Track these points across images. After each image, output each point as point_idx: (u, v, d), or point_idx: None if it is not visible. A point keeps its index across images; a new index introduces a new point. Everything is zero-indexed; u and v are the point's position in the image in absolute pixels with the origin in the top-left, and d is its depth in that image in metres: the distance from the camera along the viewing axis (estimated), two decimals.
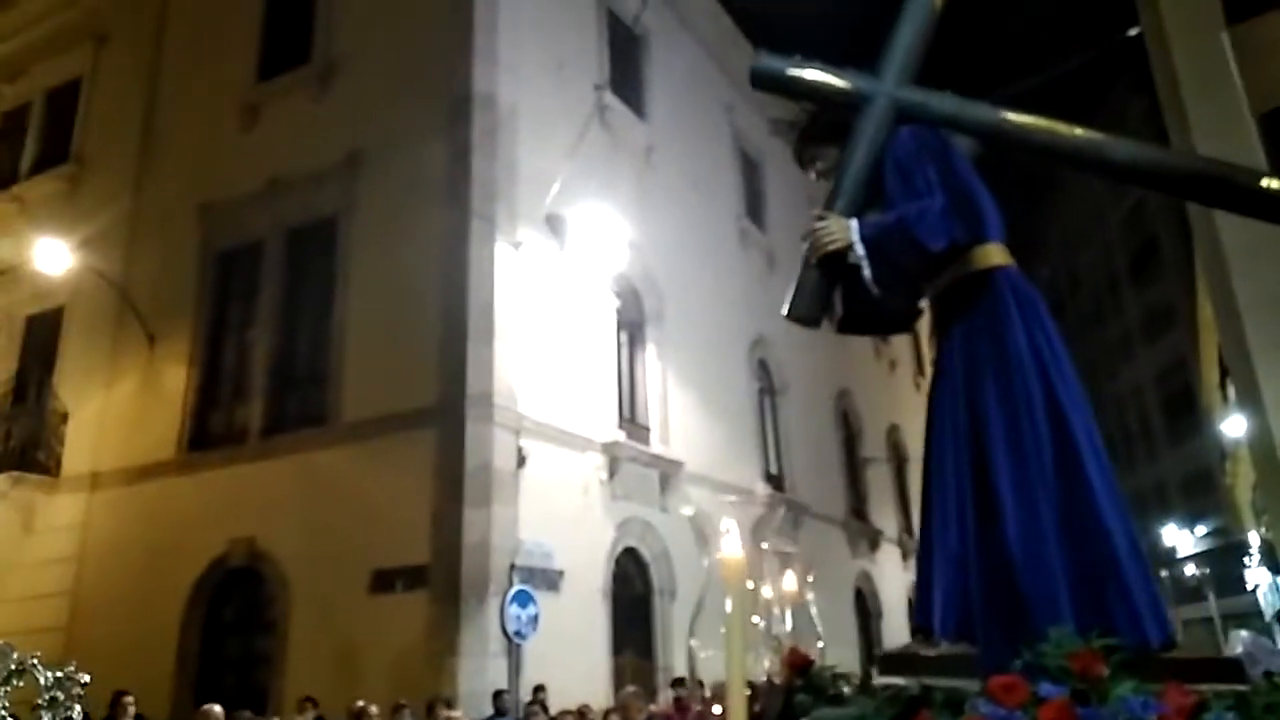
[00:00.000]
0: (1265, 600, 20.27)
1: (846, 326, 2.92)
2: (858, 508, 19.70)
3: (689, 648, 2.06)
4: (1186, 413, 34.35)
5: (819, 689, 2.35)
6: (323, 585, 10.21)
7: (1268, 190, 2.46)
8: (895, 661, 2.51)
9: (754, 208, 17.74)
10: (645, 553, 12.32)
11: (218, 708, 8.29)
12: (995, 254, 2.66)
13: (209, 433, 11.99)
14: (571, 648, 10.41)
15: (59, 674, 2.15)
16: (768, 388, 17.01)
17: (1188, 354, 34.58)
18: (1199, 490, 33.80)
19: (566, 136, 11.74)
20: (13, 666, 2.08)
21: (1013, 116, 2.71)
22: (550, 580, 10.44)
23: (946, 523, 2.53)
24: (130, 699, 9.11)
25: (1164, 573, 37.16)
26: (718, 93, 17.19)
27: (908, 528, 22.19)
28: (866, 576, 19.17)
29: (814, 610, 2.84)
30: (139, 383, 12.51)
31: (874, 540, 19.80)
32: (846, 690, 2.34)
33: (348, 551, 10.11)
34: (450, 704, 8.77)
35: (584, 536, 11.12)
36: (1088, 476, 2.40)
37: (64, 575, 12.11)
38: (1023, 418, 2.44)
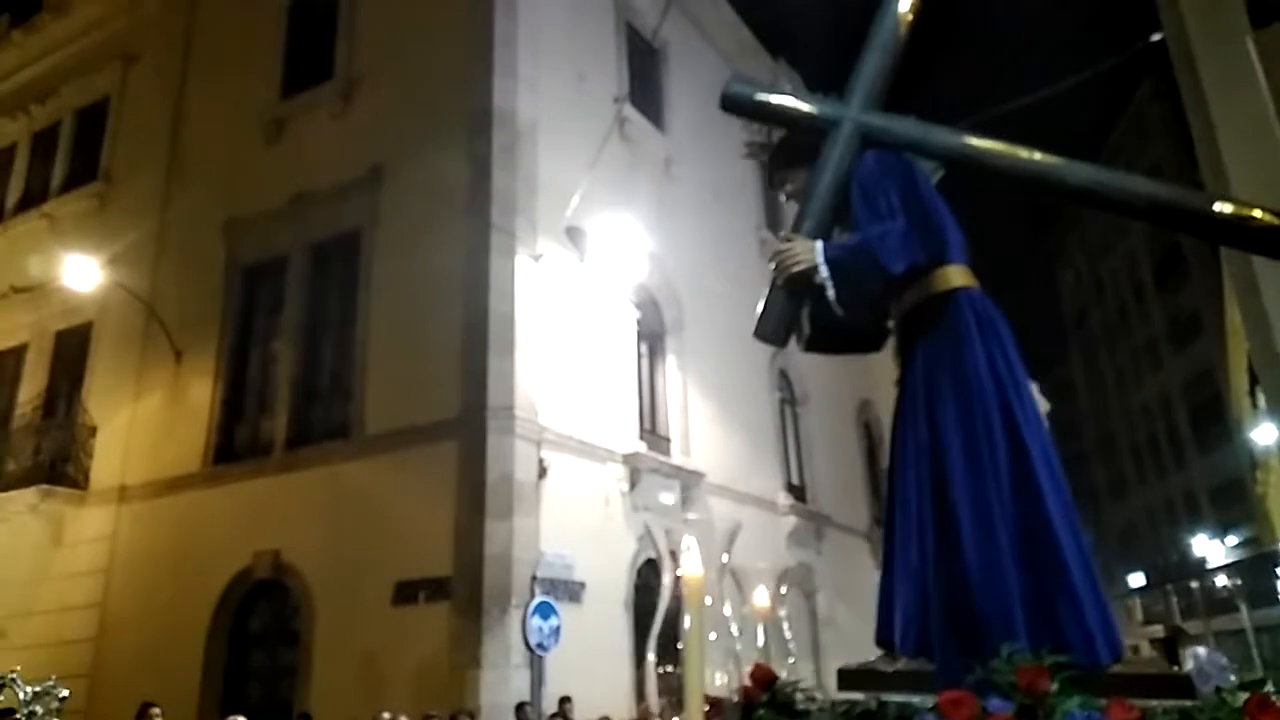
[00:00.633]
0: None
1: (814, 345, 2.98)
2: (881, 518, 19.50)
3: (646, 662, 2.00)
4: (1215, 421, 33.85)
5: (781, 705, 2.37)
6: (346, 597, 10.26)
7: (1219, 215, 2.49)
8: (855, 677, 2.54)
9: (773, 218, 17.71)
10: (667, 565, 12.25)
11: (242, 719, 8.36)
12: (957, 276, 2.71)
13: (234, 446, 12.11)
14: (594, 659, 10.39)
15: (38, 689, 2.20)
16: (789, 398, 16.95)
17: (1216, 361, 34.14)
18: (1229, 500, 33.26)
19: (586, 149, 11.80)
20: None
21: (974, 141, 2.79)
22: (572, 592, 10.43)
23: (908, 540, 2.58)
24: (157, 710, 9.18)
25: (1194, 584, 36.66)
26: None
27: None
28: None
29: (786, 625, 2.88)
30: (166, 397, 12.66)
31: None
32: (812, 707, 2.36)
33: (371, 563, 10.15)
34: (474, 715, 8.79)
35: (605, 548, 11.10)
36: (1043, 497, 2.44)
37: (93, 587, 12.25)
38: (980, 438, 2.49)
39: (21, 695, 2.11)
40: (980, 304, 2.70)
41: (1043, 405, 39.82)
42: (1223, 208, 2.49)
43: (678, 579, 2.00)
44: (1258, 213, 2.45)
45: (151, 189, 14.02)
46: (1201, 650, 2.25)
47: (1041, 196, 2.85)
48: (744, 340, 3.17)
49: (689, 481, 12.84)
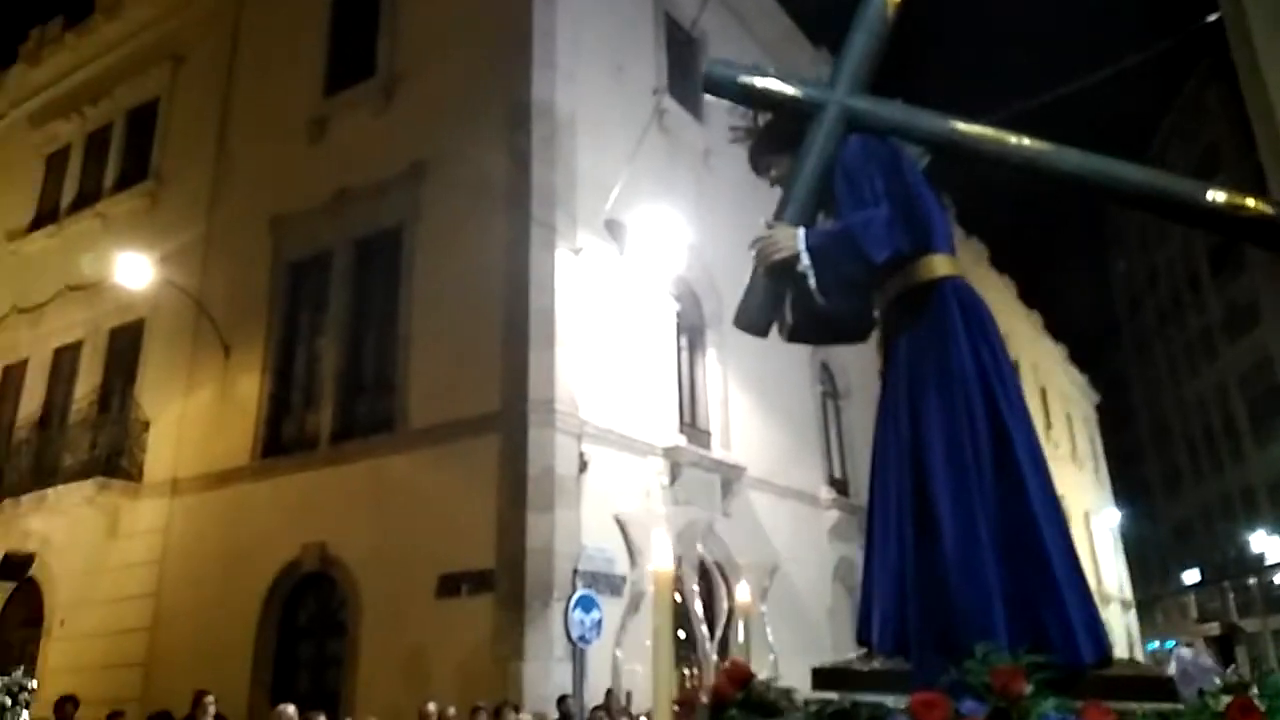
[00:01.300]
0: None
1: (798, 335, 2.92)
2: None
3: (613, 658, 1.95)
4: (1274, 412, 32.86)
5: (755, 703, 2.32)
6: (391, 589, 10.36)
7: (1211, 204, 2.44)
8: (830, 676, 2.49)
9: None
10: (708, 558, 12.25)
11: (291, 708, 8.47)
12: (942, 265, 2.65)
13: (282, 439, 12.28)
14: (636, 652, 10.39)
15: (6, 679, 2.25)
16: (831, 391, 16.78)
17: (1275, 351, 33.12)
18: None
19: (625, 141, 11.76)
20: None
21: (962, 126, 2.73)
22: (614, 585, 10.42)
23: (887, 536, 2.53)
24: (211, 698, 9.39)
25: (1252, 580, 35.68)
26: None
27: None
28: None
29: (766, 622, 2.81)
30: (215, 391, 12.90)
31: None
32: (786, 705, 2.31)
33: (415, 556, 10.24)
34: (517, 708, 8.83)
35: (646, 541, 11.08)
36: (1027, 492, 2.38)
37: (148, 578, 12.53)
38: (963, 432, 2.43)
39: None
40: (965, 294, 2.64)
41: (1094, 397, 39.10)
42: (1215, 196, 2.43)
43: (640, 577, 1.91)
44: (1250, 202, 2.40)
45: (200, 187, 14.28)
46: (1186, 652, 2.22)
47: (1032, 182, 2.82)
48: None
49: (729, 475, 12.77)
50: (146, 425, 13.32)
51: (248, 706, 10.76)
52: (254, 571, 11.43)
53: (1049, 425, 30.64)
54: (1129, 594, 36.09)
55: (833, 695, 2.28)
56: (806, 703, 2.30)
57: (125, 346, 14.29)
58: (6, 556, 11.46)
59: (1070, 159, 2.63)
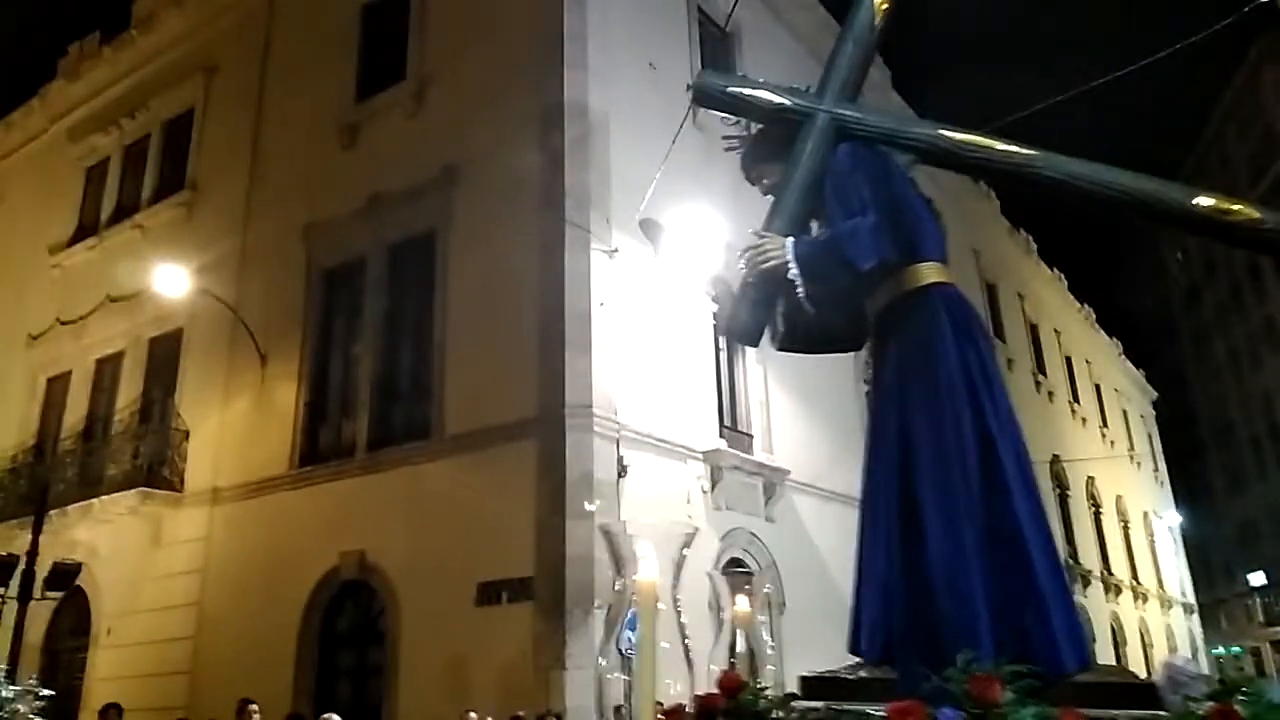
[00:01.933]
0: None
1: (789, 344, 2.93)
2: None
3: (597, 668, 2.08)
4: None
5: (741, 712, 2.31)
6: (430, 597, 10.25)
7: (1199, 210, 2.43)
8: (818, 685, 2.50)
9: None
10: (752, 564, 11.94)
11: (336, 717, 8.41)
12: (931, 273, 2.65)
13: (319, 447, 12.24)
14: (681, 661, 10.12)
15: (19, 688, 2.19)
16: None
17: None
18: None
19: (660, 140, 11.50)
20: None
21: (949, 133, 2.75)
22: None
23: (876, 544, 2.54)
24: (255, 706, 9.36)
25: None
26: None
27: None
28: None
29: (765, 632, 2.85)
30: (253, 400, 12.91)
31: None
32: (779, 714, 2.31)
33: (453, 564, 10.11)
34: (560, 717, 8.66)
35: (687, 548, 10.82)
36: (1013, 501, 2.39)
37: (191, 587, 12.58)
38: (950, 440, 2.43)
39: (4, 693, 2.11)
40: (955, 302, 2.64)
41: (1151, 394, 37.99)
42: (1203, 202, 2.43)
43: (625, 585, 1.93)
44: (1237, 207, 2.39)
45: (235, 196, 14.34)
46: (1175, 659, 2.14)
47: (1020, 188, 2.84)
48: None
49: (772, 479, 12.46)
50: (187, 435, 13.38)
51: (291, 715, 10.71)
52: (294, 580, 11.41)
53: (1104, 424, 29.77)
54: (1191, 597, 34.98)
55: (819, 704, 2.29)
56: (790, 710, 2.31)
57: (165, 356, 14.40)
58: (54, 567, 11.53)
59: (1058, 165, 2.64)
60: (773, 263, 2.65)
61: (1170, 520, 33.22)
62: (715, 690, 2.39)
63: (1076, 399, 27.63)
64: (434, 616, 10.17)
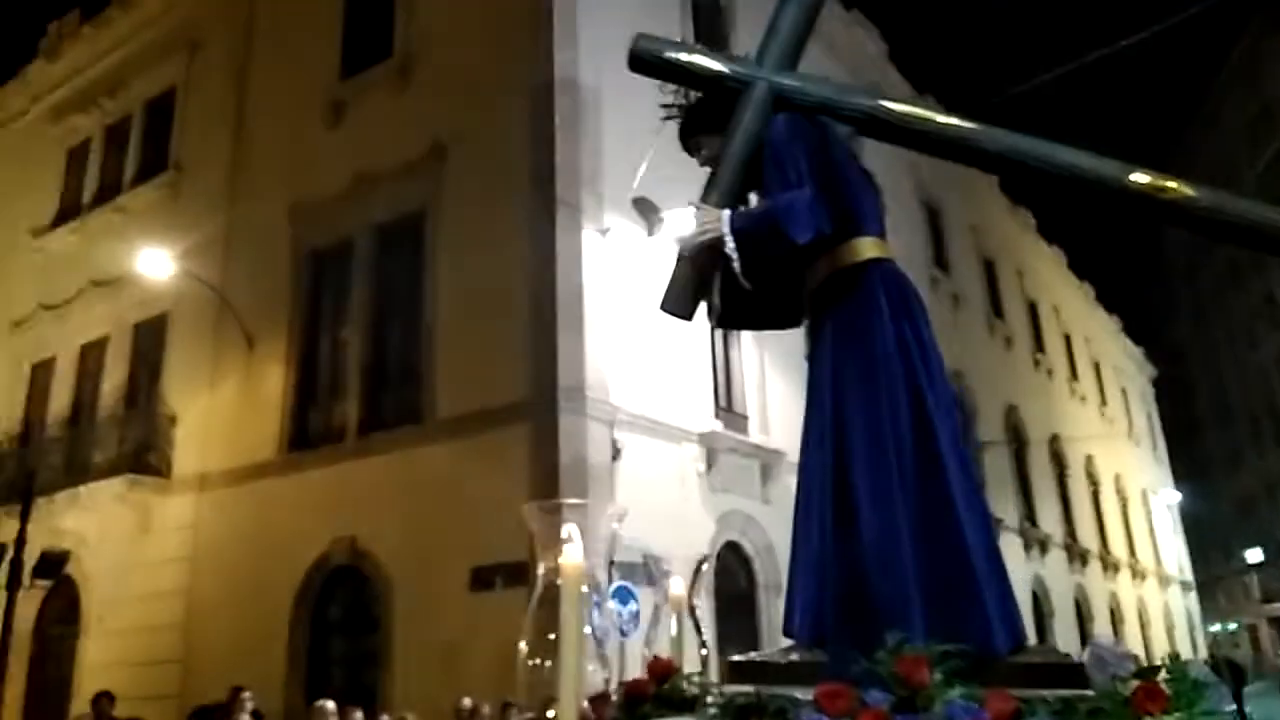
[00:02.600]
0: None
1: (726, 320, 2.89)
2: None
3: (522, 666, 1.96)
4: None
5: (669, 698, 2.30)
6: (423, 583, 10.14)
7: (1134, 186, 2.43)
8: (746, 669, 2.49)
9: None
10: (748, 547, 11.82)
11: (331, 704, 8.31)
12: (869, 248, 2.62)
13: (308, 432, 12.08)
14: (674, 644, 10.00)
15: None
16: None
17: None
18: None
19: (652, 116, 11.17)
20: None
21: (889, 104, 2.71)
22: (650, 576, 10.06)
23: (810, 525, 2.51)
24: (248, 694, 9.26)
25: None
26: (810, 60, 16.29)
27: (1029, 515, 21.00)
28: None
29: (700, 617, 2.82)
30: (240, 385, 12.72)
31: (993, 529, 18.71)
32: (710, 699, 2.29)
33: (447, 549, 9.98)
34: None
35: (683, 531, 10.69)
36: (948, 481, 2.37)
37: (179, 574, 12.45)
38: (884, 418, 2.41)
39: None
40: (892, 278, 2.60)
41: (1150, 371, 37.87)
42: (1139, 178, 2.42)
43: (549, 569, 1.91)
44: (1171, 184, 2.40)
45: (219, 177, 14.07)
46: (1102, 639, 2.13)
47: (959, 161, 2.85)
48: None
49: (769, 460, 12.29)
50: (173, 420, 13.19)
51: (283, 702, 10.62)
52: (285, 566, 11.28)
53: (1104, 401, 29.68)
54: (1189, 575, 35.04)
55: (748, 689, 2.27)
56: (718, 694, 2.30)
57: (150, 341, 14.18)
58: (42, 554, 11.41)
59: (999, 139, 2.61)
60: (708, 236, 2.59)
61: (1169, 498, 33.22)
62: (644, 676, 2.37)
63: (1076, 377, 27.51)
64: (427, 602, 10.05)
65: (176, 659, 12.06)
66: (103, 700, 10.07)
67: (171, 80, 15.59)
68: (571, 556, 1.87)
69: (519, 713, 7.92)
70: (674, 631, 2.61)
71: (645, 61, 2.88)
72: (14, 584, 11.02)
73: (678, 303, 2.74)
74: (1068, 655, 2.36)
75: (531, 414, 9.98)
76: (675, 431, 11.12)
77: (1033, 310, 25.43)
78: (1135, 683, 1.86)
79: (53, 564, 11.64)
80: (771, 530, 11.90)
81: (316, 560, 11.18)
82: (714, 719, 2.20)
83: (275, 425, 12.14)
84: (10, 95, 18.64)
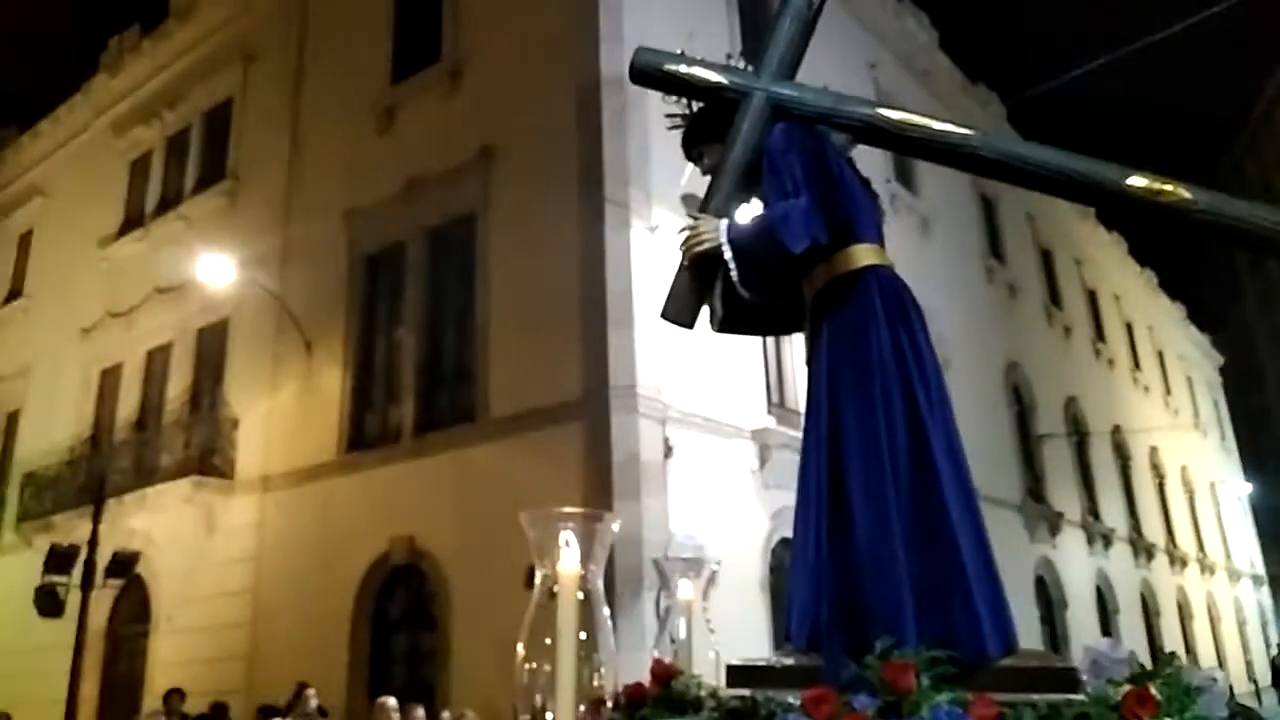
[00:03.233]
0: None
1: (728, 326, 2.92)
2: (1035, 489, 18.25)
3: (519, 670, 1.97)
4: None
5: (670, 701, 2.34)
6: (480, 581, 10.19)
7: (1131, 189, 2.45)
8: (743, 674, 2.52)
9: (902, 169, 16.66)
10: None
11: (392, 700, 8.46)
12: (866, 255, 2.64)
13: (365, 433, 12.25)
14: (730, 642, 9.95)
15: None
16: None
17: None
18: None
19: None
20: None
21: (887, 113, 2.75)
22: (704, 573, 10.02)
23: (807, 530, 2.53)
24: (312, 690, 9.44)
25: None
26: (859, 50, 16.18)
27: (1093, 509, 20.48)
28: (1048, 564, 17.72)
29: (709, 620, 2.82)
30: (299, 387, 12.95)
31: (1054, 524, 18.29)
32: (712, 703, 2.33)
33: (502, 546, 9.94)
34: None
35: (737, 528, 10.64)
36: (942, 487, 2.38)
37: (245, 573, 12.72)
38: (879, 424, 2.43)
39: None
40: (889, 285, 2.62)
41: (1217, 359, 36.67)
42: (1136, 182, 2.44)
43: (546, 576, 1.92)
44: (1169, 187, 2.42)
45: (276, 184, 14.34)
46: (1098, 642, 2.09)
47: (958, 168, 2.86)
48: None
49: None
50: (236, 423, 13.49)
51: (346, 699, 10.80)
52: (345, 565, 11.46)
53: (1168, 391, 28.83)
54: (1261, 569, 33.90)
55: (745, 693, 2.31)
56: (710, 698, 2.34)
57: (212, 346, 14.51)
58: (114, 555, 11.75)
59: (995, 145, 2.67)
60: (706, 245, 2.63)
61: (1238, 489, 32.18)
62: (649, 679, 2.41)
63: (1138, 366, 26.78)
64: (484, 600, 10.11)
65: (243, 656, 12.33)
66: (173, 697, 10.37)
67: (229, 91, 15.92)
68: (568, 564, 1.89)
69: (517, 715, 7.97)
70: (683, 634, 2.66)
71: (646, 74, 2.93)
72: (88, 584, 11.35)
73: (679, 311, 2.78)
74: (1060, 659, 2.36)
75: (583, 412, 10.00)
76: (728, 428, 11.06)
77: (1092, 299, 24.79)
78: (1127, 687, 1.85)
79: (124, 564, 11.96)
80: None
81: (376, 559, 11.33)
82: None
83: (334, 426, 12.34)
84: (74, 110, 19.24)
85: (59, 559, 11.37)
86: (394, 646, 11.53)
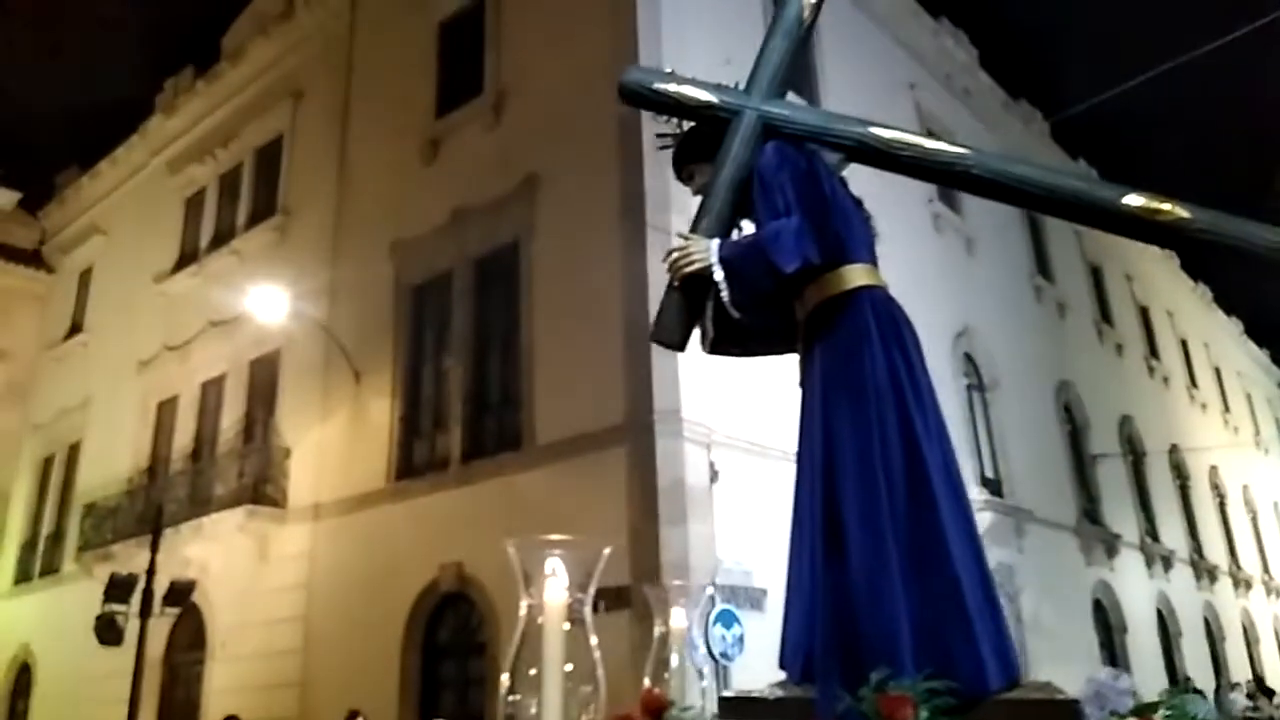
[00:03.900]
0: None
1: (719, 348, 2.85)
2: (1090, 510, 17.82)
3: (504, 701, 1.90)
4: None
5: None
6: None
7: (1128, 209, 2.44)
8: (736, 706, 2.49)
9: (945, 189, 16.55)
10: None
11: None
12: (858, 275, 2.59)
13: (414, 461, 12.38)
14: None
15: None
16: (976, 384, 15.70)
17: None
18: None
19: None
20: None
21: (879, 131, 2.71)
22: (754, 599, 9.94)
23: (801, 558, 2.48)
24: (363, 717, 9.49)
25: None
26: (898, 71, 16.15)
27: (1152, 531, 19.94)
28: (1106, 587, 17.25)
29: (700, 648, 2.74)
30: (349, 417, 13.15)
31: (1111, 546, 17.83)
32: None
33: None
34: None
35: (783, 552, 10.53)
36: (939, 512, 2.32)
37: (297, 600, 12.89)
38: (874, 447, 2.37)
39: None
40: (883, 305, 2.57)
41: (1276, 374, 35.59)
42: (1133, 201, 2.43)
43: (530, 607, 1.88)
44: (1166, 206, 2.41)
45: (324, 217, 14.67)
46: (1103, 674, 2.04)
47: (951, 187, 3.07)
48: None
49: None
50: (288, 453, 13.73)
51: None
52: (396, 592, 11.55)
53: (1226, 408, 28.05)
54: None
55: None
56: None
57: (264, 377, 14.82)
58: (171, 584, 11.99)
59: (988, 164, 2.64)
60: (696, 265, 2.59)
61: None
62: (638, 710, 2.37)
63: (1194, 383, 26.11)
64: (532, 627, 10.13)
65: (295, 683, 12.45)
66: None
67: (279, 128, 16.36)
68: (554, 597, 1.87)
69: None
70: (675, 663, 2.61)
71: (635, 93, 2.91)
72: (146, 612, 11.59)
73: (669, 332, 2.75)
74: (1063, 692, 2.27)
75: (628, 437, 10.01)
76: (774, 452, 10.95)
77: (1144, 315, 24.27)
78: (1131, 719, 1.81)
79: (180, 592, 12.19)
80: None
81: (426, 586, 11.40)
82: None
83: (383, 455, 12.50)
84: (132, 150, 19.93)
85: (118, 588, 11.64)
86: (443, 673, 11.56)
